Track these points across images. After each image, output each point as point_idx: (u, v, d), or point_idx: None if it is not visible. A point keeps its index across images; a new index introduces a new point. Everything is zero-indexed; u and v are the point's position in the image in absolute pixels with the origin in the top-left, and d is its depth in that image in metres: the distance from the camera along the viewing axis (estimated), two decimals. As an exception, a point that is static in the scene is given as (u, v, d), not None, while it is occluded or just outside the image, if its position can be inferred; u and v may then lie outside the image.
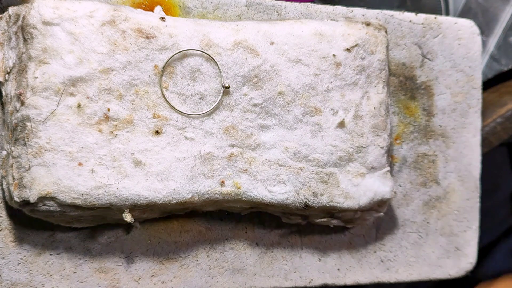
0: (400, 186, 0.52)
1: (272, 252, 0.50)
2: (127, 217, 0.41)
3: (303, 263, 0.51)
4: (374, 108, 0.47)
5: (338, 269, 0.52)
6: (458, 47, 0.55)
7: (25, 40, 0.40)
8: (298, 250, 0.51)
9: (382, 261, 0.53)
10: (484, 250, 0.76)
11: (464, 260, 0.55)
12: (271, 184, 0.45)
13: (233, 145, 0.44)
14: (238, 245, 0.49)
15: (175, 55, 0.42)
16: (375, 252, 0.53)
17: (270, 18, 0.48)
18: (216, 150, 0.44)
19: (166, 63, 0.42)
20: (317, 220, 0.48)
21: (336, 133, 0.46)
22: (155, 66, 0.42)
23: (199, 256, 0.48)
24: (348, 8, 0.49)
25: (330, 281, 0.51)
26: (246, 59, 0.44)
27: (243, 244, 0.50)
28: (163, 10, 0.44)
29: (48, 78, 0.39)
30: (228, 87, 0.43)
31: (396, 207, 0.53)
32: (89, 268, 0.45)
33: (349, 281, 0.52)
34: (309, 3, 0.49)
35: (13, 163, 0.40)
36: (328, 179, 0.46)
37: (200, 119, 0.43)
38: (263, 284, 0.50)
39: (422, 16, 0.52)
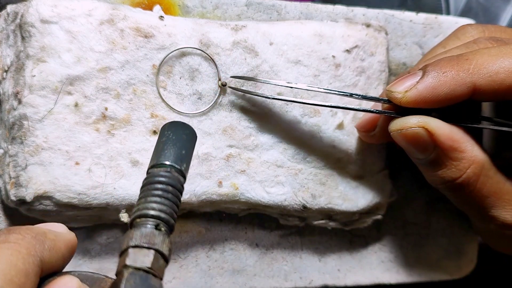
0: (401, 186, 0.52)
1: (272, 252, 0.50)
2: (124, 217, 0.41)
3: (303, 263, 0.51)
4: (374, 109, 0.46)
5: (339, 270, 0.52)
6: (459, 47, 0.54)
7: (23, 38, 0.40)
8: (298, 250, 0.51)
9: (382, 262, 0.53)
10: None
11: (465, 261, 0.55)
12: (269, 185, 0.45)
13: (231, 146, 0.44)
14: (238, 246, 0.49)
15: (173, 53, 0.42)
16: (375, 252, 0.53)
17: (270, 17, 0.48)
18: (214, 151, 0.43)
19: (162, 61, 0.42)
20: (315, 222, 0.48)
21: (335, 134, 0.46)
22: (154, 65, 0.42)
23: (198, 256, 0.48)
24: (348, 7, 0.49)
25: (330, 281, 0.51)
26: (245, 59, 0.44)
27: (243, 244, 0.49)
28: (162, 9, 0.44)
29: (45, 76, 0.39)
30: (226, 85, 0.43)
31: (397, 207, 0.52)
32: (88, 268, 0.45)
33: (349, 282, 0.52)
34: (309, 3, 0.49)
35: (9, 162, 0.40)
36: (327, 180, 0.46)
37: (198, 120, 0.43)
38: (263, 285, 0.49)
39: (422, 16, 0.52)
